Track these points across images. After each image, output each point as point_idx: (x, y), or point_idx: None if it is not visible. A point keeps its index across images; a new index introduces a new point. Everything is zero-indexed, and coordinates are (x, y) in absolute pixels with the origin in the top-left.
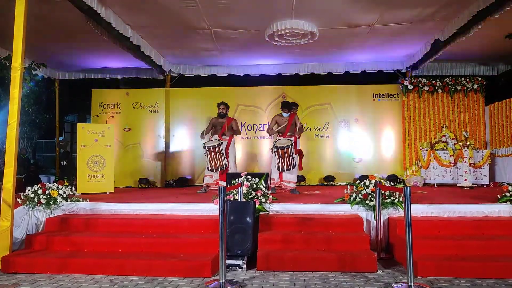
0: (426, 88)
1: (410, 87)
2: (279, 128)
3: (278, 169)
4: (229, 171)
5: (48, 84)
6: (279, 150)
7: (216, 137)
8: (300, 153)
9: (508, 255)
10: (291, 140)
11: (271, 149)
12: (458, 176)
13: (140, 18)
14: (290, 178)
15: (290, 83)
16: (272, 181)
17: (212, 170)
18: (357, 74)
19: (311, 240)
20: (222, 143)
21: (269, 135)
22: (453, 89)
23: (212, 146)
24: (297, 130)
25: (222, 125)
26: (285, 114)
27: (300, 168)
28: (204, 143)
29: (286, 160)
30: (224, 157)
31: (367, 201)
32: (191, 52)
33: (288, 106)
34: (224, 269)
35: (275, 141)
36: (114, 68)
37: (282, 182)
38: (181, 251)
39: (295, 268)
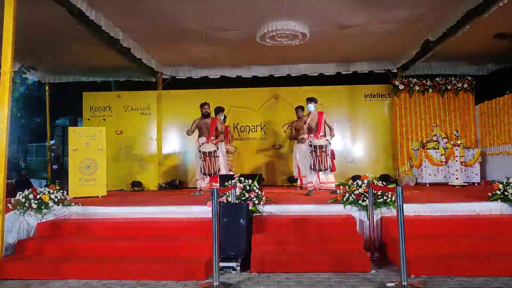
0: (417, 88)
1: (401, 87)
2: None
3: (313, 169)
4: (221, 173)
5: (38, 87)
6: (317, 149)
7: (203, 139)
8: (332, 154)
9: (499, 253)
10: (327, 140)
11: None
12: (450, 174)
13: (131, 21)
14: (330, 179)
15: (282, 84)
16: (309, 184)
17: (205, 174)
18: (348, 75)
19: (304, 241)
20: (218, 148)
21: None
22: (443, 88)
23: (208, 151)
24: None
25: (208, 127)
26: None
27: (334, 169)
28: (199, 148)
29: (324, 159)
30: (218, 162)
31: (360, 201)
32: (183, 54)
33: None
34: (218, 271)
35: (311, 140)
36: (105, 71)
37: (321, 184)
38: (174, 254)
39: (289, 269)
